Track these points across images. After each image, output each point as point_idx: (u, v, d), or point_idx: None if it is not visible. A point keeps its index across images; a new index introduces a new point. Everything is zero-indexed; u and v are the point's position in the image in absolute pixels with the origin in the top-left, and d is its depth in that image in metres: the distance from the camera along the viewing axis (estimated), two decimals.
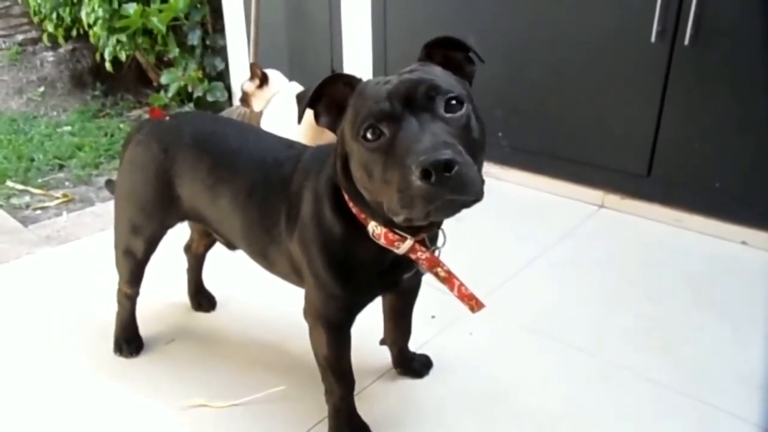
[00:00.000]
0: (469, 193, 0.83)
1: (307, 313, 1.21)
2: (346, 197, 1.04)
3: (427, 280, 1.22)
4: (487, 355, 1.58)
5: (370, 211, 1.02)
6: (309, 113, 2.24)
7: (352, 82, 1.00)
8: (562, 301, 1.81)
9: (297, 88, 2.33)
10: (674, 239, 2.18)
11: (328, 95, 1.01)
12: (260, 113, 2.43)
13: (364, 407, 1.34)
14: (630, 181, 2.34)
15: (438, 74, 0.95)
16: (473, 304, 1.15)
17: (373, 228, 1.04)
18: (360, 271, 1.11)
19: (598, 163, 2.41)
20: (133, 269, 1.49)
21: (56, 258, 2.19)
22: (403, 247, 1.04)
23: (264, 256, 1.28)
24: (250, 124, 1.49)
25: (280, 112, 2.30)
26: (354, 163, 0.95)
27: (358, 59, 2.99)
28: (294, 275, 1.24)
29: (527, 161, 2.59)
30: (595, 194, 2.43)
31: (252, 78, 2.33)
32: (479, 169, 0.91)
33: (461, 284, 1.14)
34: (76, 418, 1.38)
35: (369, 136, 0.89)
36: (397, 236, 1.03)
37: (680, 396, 1.42)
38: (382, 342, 1.48)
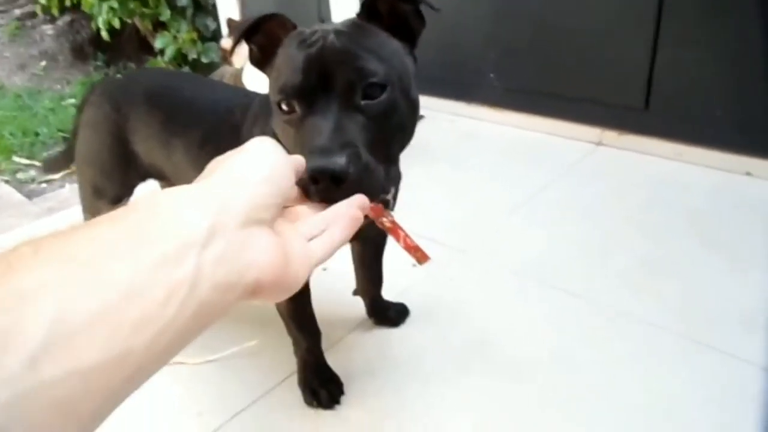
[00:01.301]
0: (362, 197, 0.73)
1: None
2: None
3: (411, 229, 1.17)
4: (469, 301, 1.54)
5: None
6: None
7: (287, 25, 0.94)
8: (554, 244, 1.76)
9: None
10: (675, 174, 2.08)
11: (267, 33, 0.94)
12: (242, 70, 2.39)
13: (337, 358, 1.33)
14: (628, 116, 2.24)
15: (368, 45, 0.84)
16: (419, 256, 1.11)
17: None
18: None
19: (594, 98, 2.31)
20: None
21: (53, 225, 2.22)
22: None
23: None
24: (208, 77, 1.45)
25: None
26: (273, 120, 0.90)
27: (345, 9, 2.90)
28: None
29: (521, 102, 2.49)
30: (592, 132, 2.33)
31: (230, 34, 2.27)
32: (399, 151, 0.88)
33: (406, 235, 1.10)
34: None
35: (283, 107, 0.83)
36: None
37: (680, 338, 1.36)
38: (355, 292, 1.47)
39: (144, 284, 0.35)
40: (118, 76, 1.48)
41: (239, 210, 0.45)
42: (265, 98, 1.18)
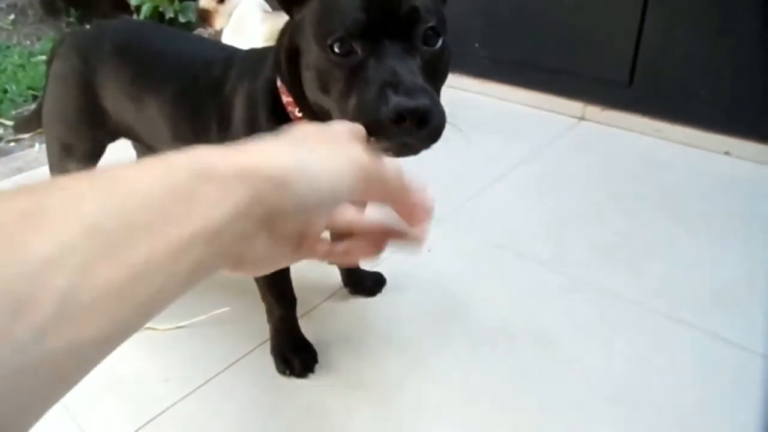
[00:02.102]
0: (433, 143, 0.75)
1: None
2: (285, 97, 0.94)
3: None
4: (446, 272, 1.53)
5: (311, 115, 0.92)
6: (266, 34, 2.11)
7: None
8: (530, 216, 1.75)
9: (253, 1, 2.20)
10: (655, 151, 2.08)
11: None
12: (221, 31, 2.31)
13: (312, 327, 1.32)
14: (612, 91, 2.22)
15: None
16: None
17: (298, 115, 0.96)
18: None
19: (578, 72, 2.28)
20: None
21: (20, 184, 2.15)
22: None
23: None
24: (181, 30, 1.39)
25: (242, 26, 2.17)
26: (309, 64, 0.83)
27: None
28: None
29: (506, 73, 2.46)
30: (575, 106, 2.31)
31: None
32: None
33: None
34: None
35: (337, 49, 0.77)
36: None
37: (647, 311, 1.37)
38: (330, 261, 1.44)
39: (163, 265, 0.33)
40: (88, 27, 1.40)
41: (272, 210, 0.40)
42: (252, 52, 1.12)
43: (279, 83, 0.96)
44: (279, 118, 0.97)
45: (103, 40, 1.27)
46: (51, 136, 1.38)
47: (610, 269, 1.51)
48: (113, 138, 1.36)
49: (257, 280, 1.19)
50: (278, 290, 1.20)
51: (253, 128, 1.01)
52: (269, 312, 1.24)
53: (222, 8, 2.15)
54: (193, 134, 1.15)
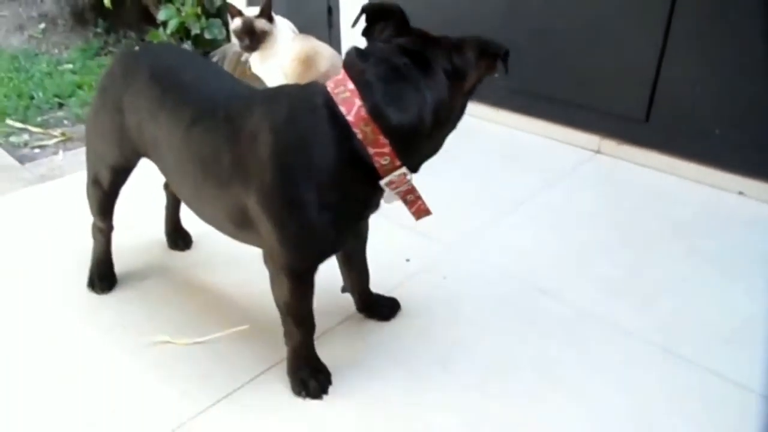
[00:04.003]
0: None
1: (270, 260, 1.17)
2: (374, 148, 1.04)
3: (407, 224, 1.19)
4: (459, 300, 1.56)
5: (404, 150, 1.06)
6: (295, 52, 2.16)
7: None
8: (542, 247, 1.78)
9: (285, 22, 2.25)
10: (668, 187, 2.11)
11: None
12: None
13: (326, 349, 1.34)
14: (628, 126, 2.25)
15: None
16: (422, 215, 1.17)
17: (383, 163, 1.06)
18: (349, 209, 1.12)
19: (596, 106, 2.31)
20: (100, 200, 1.50)
21: (44, 193, 2.20)
22: (396, 176, 1.08)
23: (196, 196, 1.24)
24: (216, 64, 1.44)
25: (273, 47, 2.21)
26: (456, 113, 1.11)
27: (354, 5, 2.88)
28: (229, 223, 1.20)
29: (523, 103, 2.50)
30: (591, 139, 2.34)
31: (260, 16, 2.20)
32: None
33: (422, 201, 1.16)
34: (41, 351, 1.41)
35: None
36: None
37: (650, 346, 1.40)
38: (344, 289, 1.47)
39: None
40: (136, 48, 1.46)
41: None
42: (280, 95, 1.16)
43: (360, 132, 1.03)
44: (346, 152, 1.05)
45: (143, 63, 1.34)
46: (89, 142, 1.47)
47: (619, 304, 1.54)
48: (137, 155, 1.40)
49: (280, 308, 1.23)
50: (300, 316, 1.23)
51: (314, 163, 1.06)
52: (288, 335, 1.27)
53: (274, 29, 2.18)
54: (199, 158, 1.17)
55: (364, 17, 1.11)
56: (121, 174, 1.45)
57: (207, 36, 3.41)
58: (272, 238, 1.11)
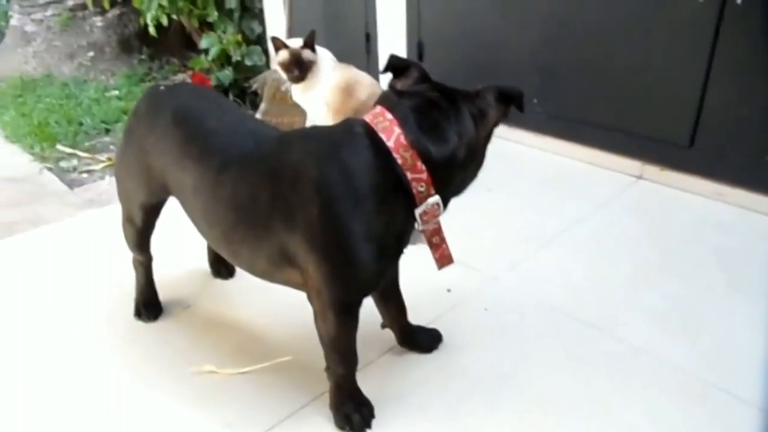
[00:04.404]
0: None
1: (317, 297, 1.18)
2: (413, 173, 1.08)
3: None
4: (501, 331, 1.55)
5: (439, 178, 1.11)
6: (336, 81, 2.20)
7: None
8: (586, 277, 1.75)
9: (326, 52, 2.29)
10: (715, 214, 2.05)
11: None
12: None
13: (368, 381, 1.34)
14: (671, 152, 2.21)
15: None
16: (446, 262, 1.22)
17: (420, 189, 1.10)
18: (390, 241, 1.15)
19: (638, 132, 2.28)
20: (134, 236, 1.54)
21: (93, 220, 2.28)
22: (430, 205, 1.13)
23: (228, 240, 1.25)
24: (237, 107, 1.46)
25: (315, 77, 2.25)
26: (481, 153, 1.19)
27: (392, 23, 2.92)
28: (266, 263, 1.20)
29: (563, 129, 2.48)
30: (633, 165, 2.31)
31: (305, 47, 2.25)
32: None
33: (446, 246, 1.21)
34: (90, 379, 1.45)
35: None
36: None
37: (700, 383, 1.36)
38: (383, 325, 1.47)
39: None
40: (161, 87, 1.50)
41: None
42: (317, 136, 1.19)
43: (400, 158, 1.07)
44: (389, 188, 1.10)
45: (167, 104, 1.37)
46: (118, 180, 1.51)
47: (665, 336, 1.50)
48: (164, 193, 1.42)
49: (324, 341, 1.24)
50: (345, 351, 1.24)
51: (358, 200, 1.09)
52: (331, 369, 1.27)
53: (317, 59, 2.23)
54: (232, 205, 1.19)
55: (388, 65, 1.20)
56: (151, 211, 1.49)
57: (247, 63, 3.49)
58: (320, 274, 1.13)
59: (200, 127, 1.29)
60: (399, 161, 1.08)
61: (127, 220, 1.53)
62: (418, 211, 1.12)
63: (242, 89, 3.55)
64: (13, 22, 4.28)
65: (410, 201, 1.11)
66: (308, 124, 2.77)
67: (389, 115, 1.10)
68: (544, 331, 1.55)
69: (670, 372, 1.39)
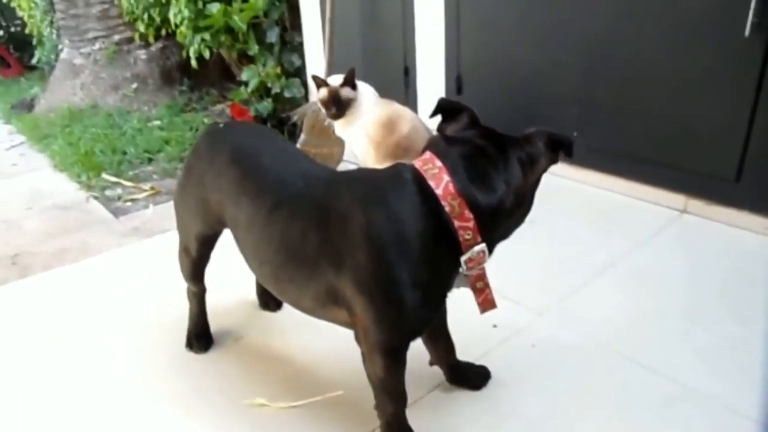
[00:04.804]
0: None
1: (364, 340, 1.19)
2: (460, 222, 1.09)
3: (493, 289, 1.22)
4: (550, 369, 1.53)
5: (486, 226, 1.12)
6: (377, 116, 2.23)
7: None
8: (634, 315, 1.73)
9: (368, 88, 2.33)
10: (764, 250, 2.01)
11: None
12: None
13: (417, 418, 1.34)
14: (716, 186, 2.18)
15: None
16: (488, 307, 1.22)
17: (467, 237, 1.11)
18: (435, 287, 1.16)
19: (681, 165, 2.26)
20: (189, 267, 1.58)
21: (142, 251, 2.33)
22: (476, 252, 1.13)
23: (277, 278, 1.27)
24: (292, 146, 1.50)
25: (356, 110, 2.30)
26: (529, 199, 1.19)
27: (431, 57, 2.97)
28: (314, 303, 1.23)
29: (604, 162, 2.47)
30: (676, 198, 2.29)
31: (345, 84, 2.30)
32: None
33: (490, 291, 1.21)
34: (141, 410, 1.47)
35: None
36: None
37: (758, 426, 1.32)
38: (431, 363, 1.47)
39: None
40: (221, 125, 1.55)
41: None
42: (363, 180, 1.23)
43: (448, 206, 1.08)
44: (436, 231, 1.10)
45: (225, 142, 1.42)
46: (176, 213, 1.56)
47: (721, 378, 1.46)
48: (223, 226, 1.45)
49: (372, 381, 1.24)
50: (392, 391, 1.25)
51: (406, 244, 1.10)
52: (381, 408, 1.28)
53: (359, 95, 2.27)
54: (282, 243, 1.22)
55: (438, 110, 1.22)
56: (207, 242, 1.53)
57: (286, 95, 3.58)
58: (367, 318, 1.14)
59: (255, 165, 1.33)
60: (447, 209, 1.09)
61: (184, 250, 1.57)
62: (463, 258, 1.12)
63: (280, 120, 3.64)
64: (63, 55, 4.47)
65: (456, 248, 1.11)
66: (347, 156, 2.83)
67: (439, 162, 1.11)
68: (593, 370, 1.53)
69: (728, 416, 1.36)
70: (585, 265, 1.97)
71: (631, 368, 1.52)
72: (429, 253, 1.11)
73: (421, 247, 1.10)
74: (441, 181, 1.09)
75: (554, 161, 1.19)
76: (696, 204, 2.25)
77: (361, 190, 1.17)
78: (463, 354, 1.49)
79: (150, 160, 3.46)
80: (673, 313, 1.72)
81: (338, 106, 2.21)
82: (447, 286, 1.18)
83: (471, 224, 1.09)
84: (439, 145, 1.16)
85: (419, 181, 1.11)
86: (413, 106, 2.80)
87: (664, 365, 1.52)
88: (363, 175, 1.28)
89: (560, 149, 1.17)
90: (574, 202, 2.41)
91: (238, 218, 1.33)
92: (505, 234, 1.21)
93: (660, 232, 2.17)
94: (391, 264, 1.09)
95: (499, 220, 1.14)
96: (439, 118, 1.24)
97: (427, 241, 1.10)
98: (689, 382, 1.46)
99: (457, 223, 1.09)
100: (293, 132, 3.37)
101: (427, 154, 1.15)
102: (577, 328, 1.68)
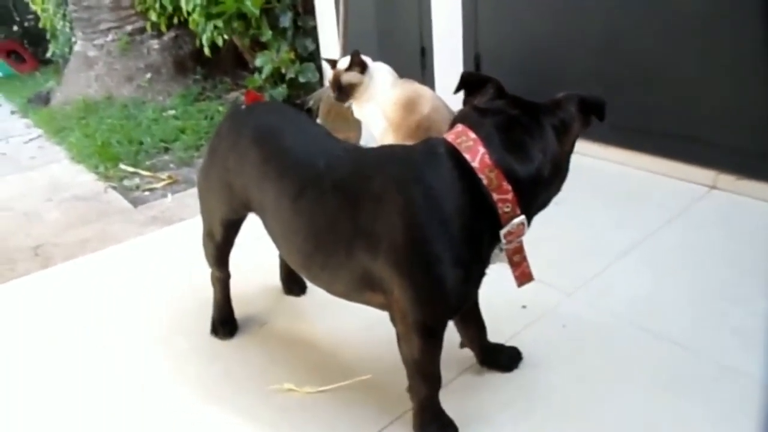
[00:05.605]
0: None
1: (401, 320, 1.16)
2: (498, 194, 1.06)
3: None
4: (581, 350, 1.50)
5: (524, 197, 1.09)
6: (396, 97, 2.19)
7: None
8: (666, 293, 1.68)
9: (384, 68, 2.29)
10: None
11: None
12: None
13: (449, 400, 1.31)
14: (747, 160, 2.12)
15: None
16: (526, 280, 1.19)
17: (506, 210, 1.08)
18: (475, 263, 1.13)
19: (709, 140, 2.20)
20: (214, 252, 1.56)
21: (163, 238, 2.33)
22: (515, 225, 1.10)
23: (309, 264, 1.25)
24: (317, 124, 1.46)
25: (373, 90, 2.26)
26: (565, 167, 1.16)
27: (448, 36, 2.91)
28: (348, 288, 1.21)
29: (629, 139, 2.41)
30: (705, 174, 2.22)
31: (351, 67, 2.26)
32: None
33: (527, 264, 1.18)
34: (166, 397, 1.46)
35: None
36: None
37: None
38: (462, 345, 1.44)
39: None
40: (243, 107, 1.52)
41: None
42: (394, 158, 1.18)
43: (485, 178, 1.05)
44: (475, 208, 1.08)
45: (247, 124, 1.39)
46: (200, 198, 1.54)
47: (757, 357, 1.40)
48: (245, 210, 1.43)
49: (406, 361, 1.22)
50: (428, 373, 1.22)
51: (446, 223, 1.07)
52: (414, 390, 1.25)
53: (365, 79, 2.23)
54: (311, 231, 1.20)
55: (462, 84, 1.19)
56: (232, 227, 1.51)
57: (301, 79, 3.54)
58: (406, 299, 1.11)
59: (277, 146, 1.30)
60: (484, 182, 1.05)
61: (208, 235, 1.55)
62: (503, 232, 1.09)
63: (295, 105, 3.61)
64: (76, 48, 4.47)
65: (495, 221, 1.08)
66: (364, 140, 2.80)
67: (472, 134, 1.08)
68: (626, 349, 1.49)
69: (764, 395, 1.31)
70: (613, 244, 1.93)
71: (664, 347, 1.48)
72: (469, 230, 1.08)
73: (461, 224, 1.07)
74: (477, 153, 1.06)
75: (587, 125, 1.15)
76: (726, 179, 2.18)
77: (394, 170, 1.13)
78: (491, 335, 1.45)
79: (166, 150, 3.46)
80: (706, 291, 1.67)
81: (340, 89, 2.18)
82: (487, 262, 1.15)
83: (510, 196, 1.06)
84: (471, 116, 1.12)
85: (454, 154, 1.08)
86: (431, 87, 2.75)
87: (698, 344, 1.48)
88: (393, 153, 1.23)
89: (592, 112, 1.14)
90: (600, 181, 2.35)
91: (264, 204, 1.30)
92: (542, 205, 1.17)
93: (688, 209, 2.11)
94: (432, 244, 1.07)
95: (538, 190, 1.11)
96: (461, 96, 1.20)
97: (466, 217, 1.07)
98: (724, 361, 1.41)
99: (495, 196, 1.06)
100: (309, 117, 3.34)
101: (459, 127, 1.11)
102: (608, 307, 1.64)
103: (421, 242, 1.07)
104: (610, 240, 1.95)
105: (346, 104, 2.32)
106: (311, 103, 3.29)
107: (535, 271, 1.18)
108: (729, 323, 1.54)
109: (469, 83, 1.18)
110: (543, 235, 1.18)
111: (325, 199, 1.18)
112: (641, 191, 2.26)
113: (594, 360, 1.46)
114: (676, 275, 1.75)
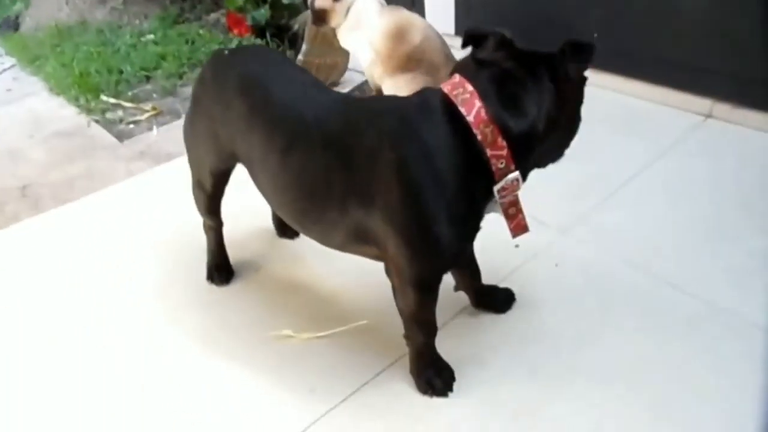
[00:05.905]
0: None
1: (397, 275, 1.18)
2: (493, 150, 1.05)
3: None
4: (574, 289, 1.53)
5: (519, 153, 1.08)
6: (384, 26, 2.09)
7: None
8: (659, 229, 1.69)
9: None
10: None
11: None
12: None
13: (444, 343, 1.35)
14: (744, 88, 2.07)
15: None
16: (520, 232, 1.20)
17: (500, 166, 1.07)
18: (469, 218, 1.13)
19: (707, 66, 2.14)
20: (204, 202, 1.54)
21: (153, 179, 2.27)
22: (509, 180, 1.09)
23: (301, 219, 1.25)
24: (305, 71, 1.40)
25: (359, 20, 2.16)
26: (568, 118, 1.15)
27: None
28: (342, 241, 1.20)
29: (624, 65, 2.34)
30: (701, 102, 2.18)
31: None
32: None
33: (523, 216, 1.18)
34: (165, 345, 1.49)
35: None
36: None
37: None
38: (456, 288, 1.46)
39: None
40: (226, 52, 1.46)
41: None
42: (387, 113, 1.14)
43: (480, 134, 1.03)
44: (469, 163, 1.07)
45: (231, 72, 1.33)
46: (187, 147, 1.50)
47: (750, 296, 1.43)
48: (236, 160, 1.39)
49: (402, 313, 1.24)
50: (425, 323, 1.25)
51: (439, 177, 1.06)
52: (410, 337, 1.28)
53: (338, 6, 2.13)
54: (302, 187, 1.18)
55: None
56: (221, 176, 1.48)
57: (284, 1, 3.36)
58: (401, 255, 1.12)
59: (263, 97, 1.26)
60: (479, 137, 1.04)
61: (197, 185, 1.52)
62: (496, 188, 1.09)
63: (279, 28, 3.44)
64: None
65: (489, 177, 1.08)
66: (352, 65, 2.70)
67: (470, 87, 1.06)
68: (618, 288, 1.52)
69: (756, 335, 1.34)
70: (605, 178, 1.92)
71: (656, 286, 1.51)
72: (464, 186, 1.07)
73: (455, 182, 1.06)
74: (473, 107, 1.04)
75: (582, 70, 1.12)
76: (722, 108, 2.15)
77: (387, 124, 1.10)
78: (486, 277, 1.47)
79: (148, 78, 3.32)
80: (699, 227, 1.69)
81: (314, 13, 2.09)
82: (481, 217, 1.15)
83: (504, 152, 1.05)
84: (470, 67, 1.10)
85: (449, 108, 1.06)
86: (420, 15, 2.62)
87: (691, 282, 1.50)
88: (386, 105, 1.20)
89: (581, 55, 1.09)
90: (592, 109, 2.27)
91: (251, 156, 1.28)
92: (540, 161, 1.17)
93: (684, 139, 2.09)
94: (427, 202, 1.06)
95: (532, 146, 1.10)
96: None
97: (461, 173, 1.06)
98: (716, 300, 1.45)
99: (489, 152, 1.05)
100: (294, 41, 3.20)
101: (457, 78, 1.09)
102: (601, 245, 1.65)
103: (416, 200, 1.06)
104: (602, 174, 1.94)
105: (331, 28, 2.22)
106: (296, 26, 3.15)
107: (527, 208, 1.18)
108: (720, 261, 1.56)
109: (474, 38, 1.14)
110: (534, 171, 1.18)
111: (315, 154, 1.15)
112: (635, 120, 2.23)
113: (586, 299, 1.49)
114: (670, 211, 1.76)
